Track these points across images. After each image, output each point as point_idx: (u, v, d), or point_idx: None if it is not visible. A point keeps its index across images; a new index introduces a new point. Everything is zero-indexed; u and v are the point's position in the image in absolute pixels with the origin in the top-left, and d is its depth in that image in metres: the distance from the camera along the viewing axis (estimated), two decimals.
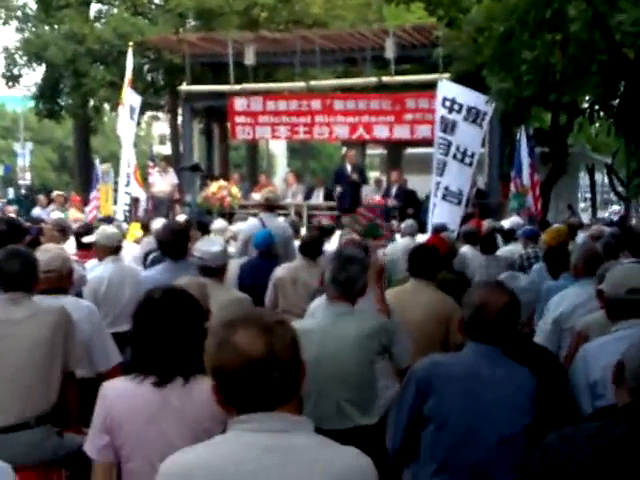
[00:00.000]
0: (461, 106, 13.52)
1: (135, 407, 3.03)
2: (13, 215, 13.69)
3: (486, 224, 10.47)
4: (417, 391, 3.44)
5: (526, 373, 3.45)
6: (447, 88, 13.77)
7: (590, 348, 4.06)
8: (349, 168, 16.44)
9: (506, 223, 12.08)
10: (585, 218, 25.74)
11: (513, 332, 3.49)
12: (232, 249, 8.67)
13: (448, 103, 13.49)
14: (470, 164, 13.36)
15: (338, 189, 16.47)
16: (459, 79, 15.20)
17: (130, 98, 14.76)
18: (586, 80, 11.29)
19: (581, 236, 10.28)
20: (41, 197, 19.64)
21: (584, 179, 35.90)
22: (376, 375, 4.20)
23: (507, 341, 3.44)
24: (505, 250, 9.65)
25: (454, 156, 13.65)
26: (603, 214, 36.02)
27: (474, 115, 13.45)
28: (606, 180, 36.84)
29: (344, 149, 18.40)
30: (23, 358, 4.18)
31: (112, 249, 6.86)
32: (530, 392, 3.40)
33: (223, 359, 2.11)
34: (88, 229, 8.18)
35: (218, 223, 10.23)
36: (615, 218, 28.33)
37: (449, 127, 13.46)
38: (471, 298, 3.49)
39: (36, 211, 17.88)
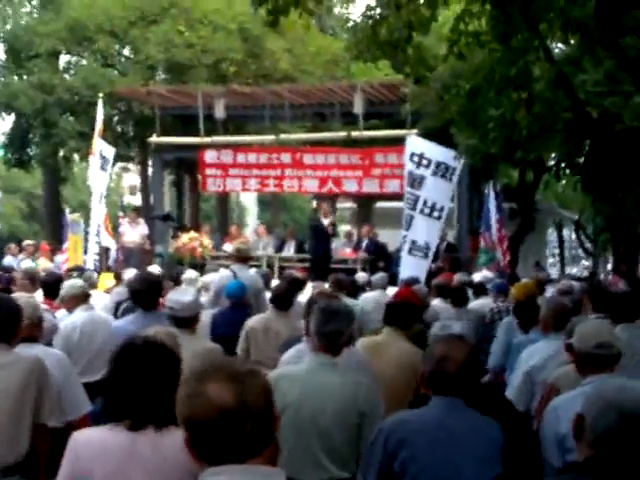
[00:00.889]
0: (430, 161, 13.70)
1: (104, 456, 2.97)
2: None
3: (457, 278, 10.56)
4: (386, 448, 3.46)
5: (493, 423, 3.51)
6: (415, 143, 13.96)
7: (560, 402, 4.11)
8: (325, 221, 16.51)
9: (476, 277, 12.18)
10: (554, 273, 25.98)
11: (475, 384, 3.55)
12: (203, 299, 8.67)
13: (416, 158, 13.67)
14: (439, 217, 13.50)
15: (310, 242, 16.50)
16: (427, 135, 15.42)
17: (103, 149, 14.78)
18: (551, 138, 11.51)
19: (550, 291, 10.39)
20: (12, 246, 19.48)
21: (552, 235, 36.29)
22: (355, 428, 4.18)
23: (470, 393, 3.50)
24: (476, 304, 9.72)
25: (421, 210, 13.79)
26: (572, 270, 36.35)
27: (443, 170, 13.63)
28: (574, 236, 37.26)
29: (314, 202, 18.50)
30: None
31: (80, 298, 6.85)
32: (499, 442, 3.46)
33: (194, 410, 2.09)
34: (56, 278, 8.15)
35: (189, 273, 10.25)
36: (584, 274, 28.62)
37: (417, 182, 13.62)
38: (432, 352, 3.56)
39: (7, 260, 17.75)
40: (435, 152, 13.74)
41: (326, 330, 4.27)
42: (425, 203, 13.66)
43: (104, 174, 14.67)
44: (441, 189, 13.64)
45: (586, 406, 2.41)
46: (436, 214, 13.50)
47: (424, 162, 13.59)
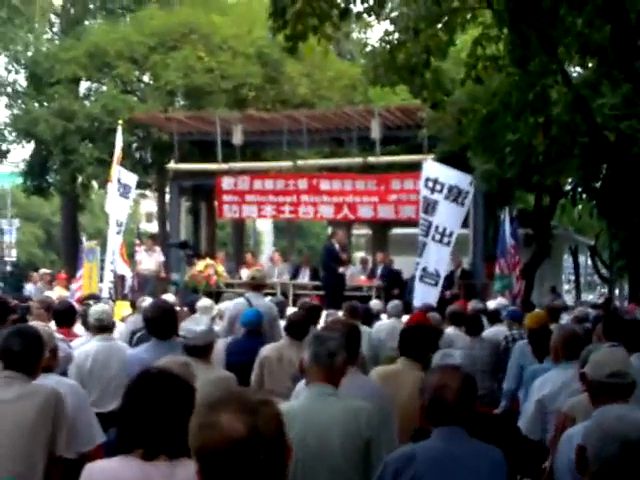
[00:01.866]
0: (443, 185, 13.65)
1: None
2: None
3: (471, 305, 10.50)
4: None
5: (496, 449, 3.49)
6: (430, 168, 13.92)
7: (575, 431, 4.04)
8: (337, 247, 16.45)
9: (491, 304, 12.12)
10: (569, 300, 25.81)
11: (473, 412, 3.53)
12: (218, 328, 8.64)
13: (430, 183, 13.62)
14: (448, 243, 13.39)
15: (325, 269, 16.42)
16: (443, 160, 15.41)
17: (123, 176, 14.81)
18: (568, 162, 11.47)
19: (565, 318, 10.32)
20: (34, 274, 19.61)
21: (568, 261, 36.10)
22: (363, 455, 4.14)
23: (469, 421, 3.48)
24: (490, 331, 9.66)
25: (433, 237, 13.73)
26: (588, 296, 36.12)
27: (455, 194, 13.55)
28: (590, 262, 37.03)
29: (330, 228, 18.50)
30: (8, 439, 4.13)
31: (104, 327, 6.86)
32: (503, 468, 3.47)
33: (206, 440, 2.07)
34: (68, 306, 8.14)
35: (204, 301, 10.22)
36: (600, 300, 28.42)
37: (430, 207, 13.56)
38: (429, 383, 3.56)
39: (28, 287, 17.88)
40: (449, 176, 13.68)
41: (319, 354, 4.22)
42: (437, 229, 13.59)
43: (125, 201, 14.66)
44: (452, 214, 13.54)
45: (587, 437, 2.38)
46: (446, 240, 13.41)
47: (437, 187, 13.54)
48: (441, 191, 13.55)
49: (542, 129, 10.57)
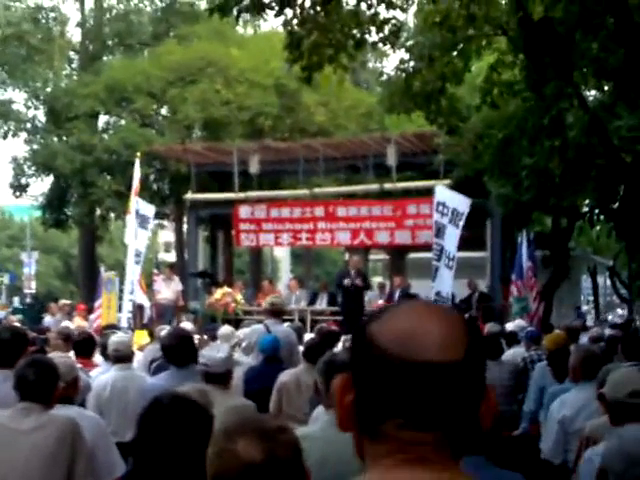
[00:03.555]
0: (448, 209, 13.62)
1: None
2: (17, 324, 13.66)
3: (487, 328, 10.43)
4: None
5: (516, 475, 3.45)
6: (440, 192, 13.90)
7: (596, 453, 4.02)
8: (352, 273, 16.43)
9: (509, 326, 12.06)
10: (589, 321, 25.60)
11: (494, 440, 3.48)
12: (237, 355, 8.64)
13: (441, 207, 13.60)
14: (451, 267, 13.34)
15: (346, 282, 16.35)
16: (459, 185, 15.40)
17: (143, 207, 14.88)
18: (585, 185, 11.44)
19: (584, 339, 10.28)
20: (52, 305, 19.71)
21: (587, 281, 35.90)
22: None
23: (490, 449, 3.44)
24: (508, 353, 9.60)
25: (443, 261, 13.66)
26: (608, 317, 35.85)
27: (455, 216, 13.51)
28: (608, 283, 36.84)
29: (347, 255, 18.50)
30: (25, 470, 4.14)
31: (122, 357, 6.88)
32: None
33: (223, 467, 2.07)
34: (86, 337, 8.18)
35: (225, 329, 10.23)
36: (619, 321, 28.23)
37: (441, 231, 13.51)
38: None
39: (47, 319, 17.97)
40: (453, 199, 13.64)
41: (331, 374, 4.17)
42: (446, 253, 13.54)
43: (144, 232, 14.71)
44: (452, 237, 13.51)
45: (608, 459, 2.36)
46: (451, 264, 13.36)
47: (445, 211, 13.51)
48: (447, 214, 13.52)
49: (558, 152, 10.56)
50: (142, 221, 14.55)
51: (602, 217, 13.16)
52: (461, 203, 13.49)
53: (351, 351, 1.42)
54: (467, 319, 1.43)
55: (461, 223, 13.56)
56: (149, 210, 15.11)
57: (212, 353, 5.68)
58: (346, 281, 15.82)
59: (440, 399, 1.30)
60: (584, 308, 31.23)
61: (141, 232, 14.38)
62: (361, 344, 1.37)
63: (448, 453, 1.34)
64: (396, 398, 1.31)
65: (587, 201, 14.28)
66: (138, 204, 14.83)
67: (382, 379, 1.32)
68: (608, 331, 10.65)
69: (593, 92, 12.75)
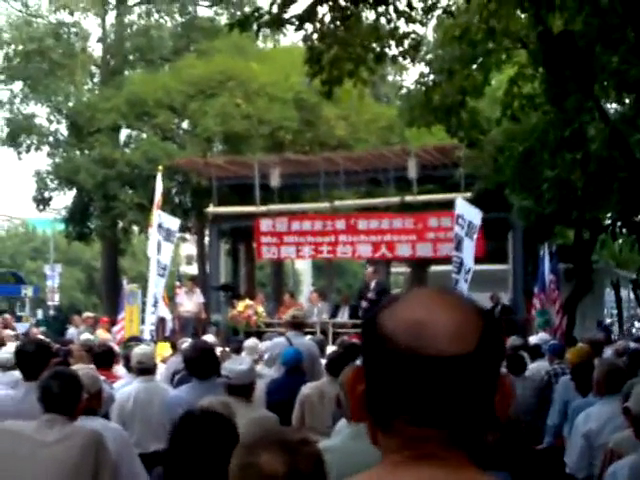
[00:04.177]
0: (465, 221, 13.61)
1: None
2: (41, 336, 13.75)
3: (510, 341, 10.39)
4: None
5: None
6: (459, 205, 13.90)
7: (620, 467, 4.01)
8: (372, 285, 16.42)
9: (533, 339, 12.01)
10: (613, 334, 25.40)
11: (518, 455, 3.47)
12: (259, 368, 8.67)
13: (460, 220, 13.60)
14: (466, 280, 13.32)
15: (364, 304, 16.36)
16: (480, 198, 15.39)
17: (167, 221, 14.89)
18: (607, 197, 11.40)
19: (608, 352, 10.22)
20: (76, 317, 19.83)
21: (610, 295, 35.67)
22: None
23: (513, 465, 3.42)
24: (532, 367, 9.54)
25: (462, 274, 13.61)
26: (632, 329, 35.57)
27: (471, 229, 13.50)
28: (632, 296, 36.57)
29: (369, 267, 18.47)
30: None
31: (146, 369, 6.92)
32: None
33: None
34: (107, 349, 8.23)
35: (250, 341, 10.26)
36: None
37: (460, 244, 13.50)
38: None
39: (70, 331, 18.09)
40: (470, 213, 13.64)
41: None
42: (464, 266, 13.51)
43: (169, 245, 14.72)
44: (469, 249, 13.49)
45: (633, 477, 2.35)
46: (466, 277, 13.32)
47: (463, 223, 13.50)
48: (464, 227, 13.52)
49: (580, 165, 10.54)
50: (167, 234, 14.55)
51: (625, 230, 13.11)
52: (475, 216, 13.50)
53: (362, 342, 1.40)
54: (482, 308, 1.37)
55: (475, 236, 13.56)
56: (174, 223, 15.12)
57: (234, 365, 5.71)
58: (364, 304, 15.87)
59: (450, 394, 1.27)
60: (607, 321, 30.98)
61: (166, 245, 14.38)
62: (371, 335, 1.34)
63: (458, 449, 1.30)
64: (404, 391, 1.28)
65: (609, 214, 14.22)
66: (161, 217, 14.84)
67: (391, 371, 1.29)
68: (633, 344, 10.59)
69: (614, 105, 12.71)
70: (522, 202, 14.05)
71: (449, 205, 15.84)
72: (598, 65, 9.50)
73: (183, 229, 28.47)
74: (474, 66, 10.62)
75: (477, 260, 16.78)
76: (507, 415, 1.36)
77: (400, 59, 10.27)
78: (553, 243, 16.42)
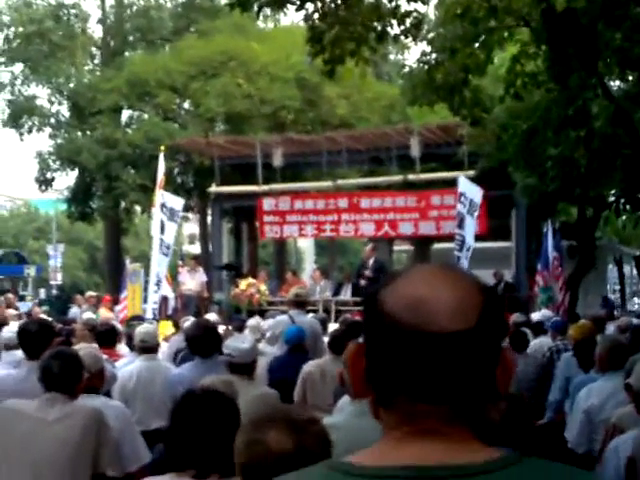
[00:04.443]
0: (467, 199, 13.62)
1: None
2: (43, 316, 13.78)
3: (513, 318, 10.39)
4: None
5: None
6: (462, 183, 13.91)
7: (621, 442, 4.01)
8: (370, 263, 16.41)
9: (535, 316, 12.02)
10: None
11: (522, 432, 3.45)
12: (262, 346, 8.68)
13: (462, 198, 13.60)
14: (467, 258, 13.31)
15: (362, 282, 16.36)
16: (484, 175, 15.36)
17: (170, 201, 14.89)
18: (611, 174, 11.38)
19: (611, 328, 10.23)
20: (78, 297, 19.90)
21: (613, 271, 35.72)
22: None
23: (517, 442, 3.41)
24: (535, 343, 9.57)
25: (464, 252, 13.63)
26: (635, 306, 35.66)
27: (472, 207, 13.49)
28: (635, 272, 36.63)
29: (371, 244, 18.46)
30: (51, 459, 4.19)
31: (148, 348, 6.93)
32: None
33: (253, 456, 2.11)
34: (109, 327, 8.24)
35: (253, 320, 10.28)
36: None
37: (462, 222, 13.51)
38: None
39: (72, 310, 18.16)
40: (472, 191, 13.64)
41: None
42: (466, 244, 13.51)
43: (173, 225, 14.72)
44: (470, 227, 13.48)
45: (636, 450, 2.33)
46: (467, 254, 13.32)
47: (465, 201, 13.50)
48: (466, 205, 13.52)
49: (584, 142, 10.51)
50: (171, 214, 14.55)
51: (628, 207, 13.08)
52: (476, 194, 13.51)
53: (363, 318, 1.39)
54: (483, 284, 1.35)
55: (476, 214, 13.58)
56: (177, 203, 15.12)
57: (236, 344, 5.71)
58: (362, 282, 15.87)
59: (451, 370, 1.26)
60: (611, 297, 30.99)
61: (170, 225, 14.38)
62: (372, 312, 1.33)
63: (461, 425, 1.30)
64: (405, 368, 1.27)
65: (613, 191, 14.20)
66: (164, 197, 14.84)
67: (392, 347, 1.28)
68: (635, 321, 10.60)
69: (617, 82, 12.65)
70: (525, 180, 14.03)
71: (452, 183, 15.83)
72: (601, 42, 9.44)
73: (186, 209, 28.42)
74: (476, 44, 10.54)
75: (480, 237, 16.87)
76: (508, 389, 1.35)
77: (402, 38, 10.22)
78: (556, 220, 16.41)
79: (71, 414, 4.32)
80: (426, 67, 10.74)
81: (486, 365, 1.30)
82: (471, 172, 16.04)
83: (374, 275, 15.71)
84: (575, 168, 11.34)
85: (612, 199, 14.24)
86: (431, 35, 11.46)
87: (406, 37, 10.13)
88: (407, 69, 19.93)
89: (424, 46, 11.21)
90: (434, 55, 10.77)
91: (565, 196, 14.57)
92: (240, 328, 9.99)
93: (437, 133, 18.23)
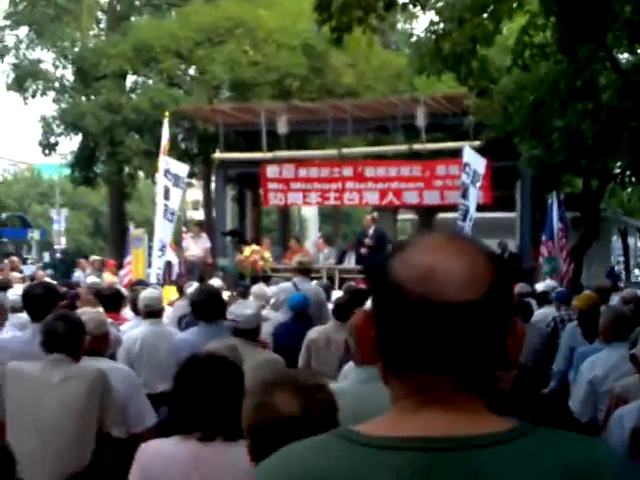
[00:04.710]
0: (471, 170, 13.61)
1: (171, 467, 3.02)
2: (47, 279, 13.82)
3: (517, 288, 10.40)
4: None
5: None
6: (467, 153, 13.88)
7: (626, 412, 4.04)
8: (370, 232, 16.38)
9: (540, 286, 12.04)
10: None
11: (529, 401, 3.47)
12: (265, 312, 8.69)
13: (467, 168, 13.59)
14: (469, 228, 13.30)
15: (362, 251, 16.33)
16: (489, 146, 15.31)
17: (175, 167, 14.87)
18: (617, 147, 11.35)
19: (615, 299, 10.25)
20: (82, 261, 19.94)
21: (617, 242, 35.75)
22: None
23: (524, 412, 3.42)
24: (539, 313, 9.58)
25: (467, 222, 13.64)
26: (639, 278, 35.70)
27: (474, 177, 13.47)
28: (639, 244, 36.66)
29: (375, 214, 18.42)
30: (57, 420, 4.23)
31: (153, 312, 6.95)
32: None
33: (261, 419, 2.13)
34: (113, 292, 8.25)
35: (257, 288, 10.29)
36: None
37: (466, 192, 13.50)
38: None
39: (76, 274, 18.21)
40: (476, 161, 13.61)
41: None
42: (469, 214, 13.50)
43: (178, 191, 14.72)
44: (473, 197, 13.47)
45: None
46: (469, 225, 13.31)
47: (469, 171, 13.47)
48: (470, 175, 13.50)
49: (591, 115, 10.47)
50: (176, 180, 14.54)
51: (634, 179, 13.08)
52: (480, 164, 13.49)
53: (371, 288, 1.37)
54: (493, 253, 1.34)
55: (479, 184, 13.57)
56: (182, 169, 15.10)
57: (240, 309, 5.72)
58: (362, 250, 15.87)
59: (461, 340, 1.25)
60: (615, 269, 31.03)
61: (175, 191, 14.37)
62: (380, 280, 1.32)
63: (471, 395, 1.30)
64: (415, 339, 1.27)
65: (619, 163, 14.18)
66: (168, 163, 14.82)
67: (401, 318, 1.27)
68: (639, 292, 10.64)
69: (626, 55, 12.59)
70: (531, 151, 13.99)
71: (457, 153, 15.77)
72: (611, 15, 9.37)
73: (190, 175, 28.38)
74: (485, 14, 10.46)
75: (485, 208, 16.86)
76: (518, 358, 1.35)
77: (410, 7, 10.15)
78: (561, 192, 16.37)
79: (75, 375, 4.36)
80: (434, 37, 10.65)
81: (496, 335, 1.29)
82: (477, 143, 15.97)
83: (374, 244, 15.71)
84: (581, 140, 11.30)
85: (618, 171, 14.23)
86: (439, 4, 11.35)
87: (414, 6, 10.07)
88: (415, 38, 19.85)
89: (432, 15, 11.12)
90: (442, 24, 10.67)
91: (570, 168, 14.56)
92: (244, 294, 10.00)
93: (443, 103, 18.13)
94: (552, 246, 15.22)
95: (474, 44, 10.18)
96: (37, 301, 5.81)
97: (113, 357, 5.98)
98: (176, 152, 22.33)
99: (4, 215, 39.78)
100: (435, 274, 1.26)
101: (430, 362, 1.27)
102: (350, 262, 17.49)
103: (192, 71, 28.07)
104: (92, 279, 13.42)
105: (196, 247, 17.27)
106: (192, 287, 9.50)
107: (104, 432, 4.40)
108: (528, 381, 3.51)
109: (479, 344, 1.27)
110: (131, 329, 7.10)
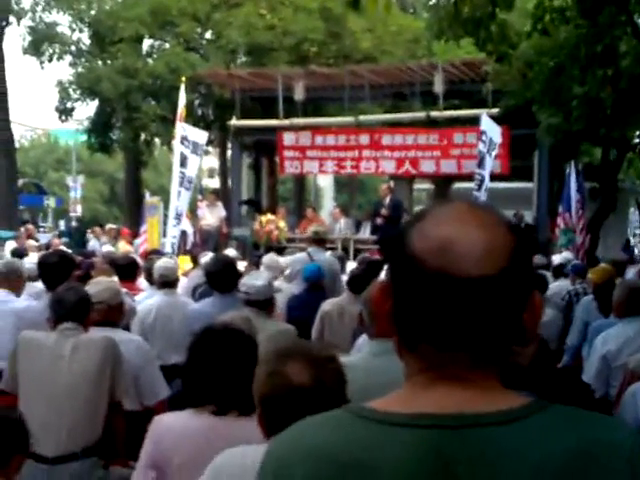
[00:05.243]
0: (487, 138, 13.47)
1: (184, 441, 3.00)
2: (62, 247, 13.83)
3: (534, 260, 10.32)
4: None
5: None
6: (484, 122, 13.74)
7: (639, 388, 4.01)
8: (386, 202, 16.25)
9: (556, 258, 11.95)
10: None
11: (546, 376, 3.45)
12: (279, 283, 8.66)
13: (484, 136, 13.45)
14: (484, 198, 13.20)
15: (378, 221, 16.23)
16: (508, 114, 15.16)
17: (192, 134, 14.75)
18: (637, 115, 11.21)
19: (631, 272, 10.16)
20: (96, 229, 20.00)
21: (634, 214, 35.47)
22: None
23: (541, 387, 3.40)
24: (554, 286, 9.50)
25: (483, 192, 13.54)
26: None
27: (490, 146, 13.34)
28: None
29: (391, 183, 18.30)
30: (70, 390, 4.24)
31: (168, 282, 6.93)
32: None
33: (272, 388, 2.16)
34: (129, 261, 8.23)
35: (268, 258, 10.27)
36: None
37: (483, 161, 13.39)
38: None
39: (91, 243, 18.25)
40: (492, 130, 13.46)
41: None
42: (485, 184, 13.40)
43: (196, 158, 14.61)
44: (489, 166, 13.35)
45: None
46: (485, 194, 13.20)
47: (485, 140, 13.34)
48: (486, 144, 13.37)
49: (611, 82, 10.33)
50: (194, 147, 14.44)
51: None
52: (496, 133, 13.35)
53: (387, 259, 1.35)
54: (513, 224, 1.31)
55: (494, 153, 13.45)
56: (201, 137, 14.98)
57: (251, 280, 5.66)
58: (378, 220, 15.77)
59: (477, 316, 1.23)
60: (631, 241, 30.83)
61: (193, 158, 14.25)
62: (397, 251, 1.29)
63: (486, 371, 1.27)
64: (431, 313, 1.24)
65: (638, 132, 14.02)
66: (186, 130, 14.72)
67: (418, 291, 1.24)
68: None
69: None
70: (550, 119, 13.84)
71: (475, 121, 15.63)
72: None
73: (206, 142, 28.41)
74: None
75: (502, 178, 16.70)
76: (536, 333, 1.32)
77: None
78: (579, 162, 16.20)
79: (86, 345, 4.39)
80: (452, 0, 10.53)
81: (514, 310, 1.26)
82: (495, 110, 15.82)
83: (391, 214, 15.62)
84: (600, 108, 11.16)
85: (636, 141, 14.09)
86: None
87: None
88: (433, 2, 19.63)
89: None
90: None
91: (589, 137, 14.40)
92: (257, 264, 9.97)
93: (461, 69, 17.97)
94: (569, 218, 15.08)
95: (494, 7, 10.05)
96: (52, 270, 5.83)
97: (127, 328, 5.98)
98: (192, 118, 22.25)
99: (20, 181, 39.96)
100: (453, 246, 1.23)
101: (445, 338, 1.25)
102: (365, 232, 17.43)
103: (208, 35, 27.95)
104: (107, 248, 13.43)
105: (212, 216, 17.24)
106: (207, 257, 9.47)
107: (115, 401, 4.41)
108: (544, 356, 3.47)
109: (496, 320, 1.24)
110: (146, 299, 7.09)
